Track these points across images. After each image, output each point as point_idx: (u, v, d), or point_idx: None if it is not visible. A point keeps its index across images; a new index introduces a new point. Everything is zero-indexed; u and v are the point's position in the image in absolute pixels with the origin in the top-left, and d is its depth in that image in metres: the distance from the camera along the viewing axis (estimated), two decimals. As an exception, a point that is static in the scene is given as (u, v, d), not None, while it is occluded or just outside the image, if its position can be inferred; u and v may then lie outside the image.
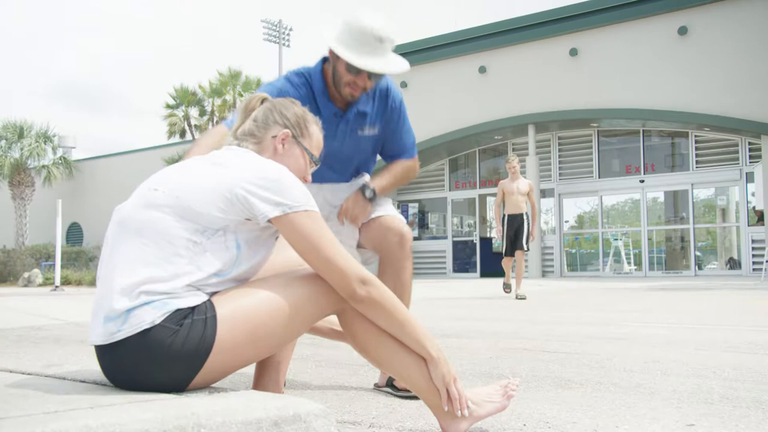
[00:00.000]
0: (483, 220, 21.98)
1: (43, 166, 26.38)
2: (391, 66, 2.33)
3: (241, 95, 24.80)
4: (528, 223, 8.94)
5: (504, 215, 9.03)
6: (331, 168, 2.54)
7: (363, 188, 2.52)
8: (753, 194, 16.63)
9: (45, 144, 25.98)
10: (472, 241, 21.13)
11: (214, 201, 1.58)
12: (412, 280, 2.56)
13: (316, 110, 2.40)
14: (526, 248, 8.93)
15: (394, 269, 2.50)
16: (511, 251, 8.95)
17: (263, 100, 1.92)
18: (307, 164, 1.86)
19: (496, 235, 9.14)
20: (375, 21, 2.28)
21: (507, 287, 9.15)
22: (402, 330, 1.70)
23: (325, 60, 2.48)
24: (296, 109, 1.88)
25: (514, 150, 20.32)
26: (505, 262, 9.05)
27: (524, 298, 8.37)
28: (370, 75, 2.34)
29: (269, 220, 1.61)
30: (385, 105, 2.55)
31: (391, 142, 2.62)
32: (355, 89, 2.38)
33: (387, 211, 2.57)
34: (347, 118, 2.49)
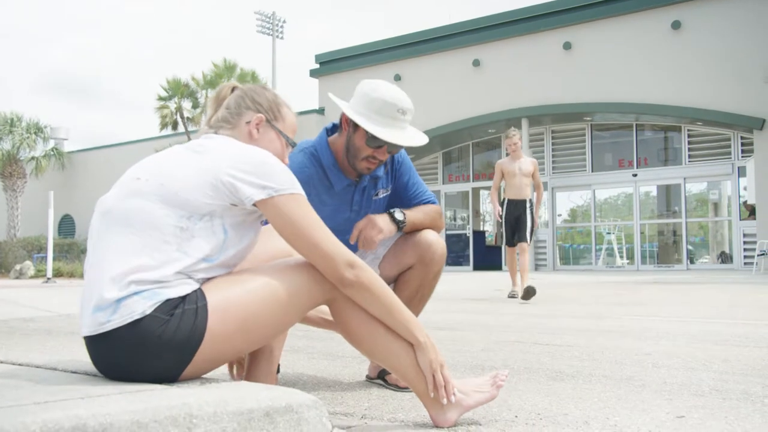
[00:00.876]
0: (476, 213, 22.02)
1: (33, 158, 26.26)
2: (415, 139, 2.22)
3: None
4: (532, 213, 7.39)
5: (504, 199, 7.52)
6: (345, 234, 2.34)
7: (392, 211, 2.34)
8: (745, 188, 16.70)
9: (36, 135, 25.87)
10: (465, 234, 21.17)
11: (200, 187, 1.58)
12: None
13: (329, 185, 2.31)
14: (528, 241, 7.36)
15: (422, 281, 2.37)
16: (512, 240, 7.46)
17: (233, 89, 1.91)
18: (283, 147, 1.85)
19: (495, 217, 7.53)
20: (397, 92, 2.19)
21: (512, 293, 7.31)
22: (390, 314, 1.71)
23: (327, 131, 2.37)
24: (267, 93, 1.86)
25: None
26: (510, 258, 7.60)
27: (534, 293, 6.58)
28: (390, 148, 2.22)
29: (255, 204, 1.60)
30: (392, 162, 2.43)
31: (409, 191, 2.45)
32: (372, 163, 2.25)
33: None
34: (361, 187, 2.37)
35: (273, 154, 1.75)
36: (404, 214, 2.35)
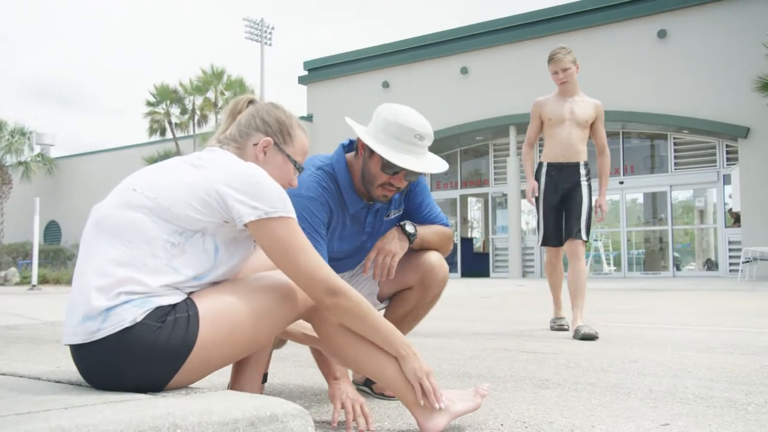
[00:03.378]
0: (464, 220, 22.06)
1: (20, 162, 26.09)
2: (435, 165, 2.13)
3: (223, 94, 24.68)
4: (589, 186, 4.56)
5: (540, 164, 4.68)
6: (357, 257, 2.35)
7: (403, 224, 2.27)
8: (730, 196, 16.85)
9: (21, 140, 25.73)
10: (453, 241, 21.17)
11: (192, 203, 1.57)
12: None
13: (343, 206, 2.21)
14: (585, 237, 4.50)
15: (419, 303, 2.35)
16: (554, 234, 4.60)
17: (250, 102, 1.89)
18: (291, 171, 1.83)
19: (529, 198, 4.68)
20: (415, 116, 2.08)
21: (559, 322, 4.62)
22: (372, 333, 1.72)
23: (345, 148, 2.26)
24: (279, 114, 1.83)
25: (495, 151, 20.40)
26: (551, 265, 4.74)
27: (593, 338, 3.97)
28: (407, 175, 2.12)
29: (245, 224, 1.60)
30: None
31: (422, 212, 2.37)
32: (389, 191, 2.15)
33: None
34: (374, 209, 2.28)
35: (278, 179, 1.75)
36: (415, 228, 2.28)
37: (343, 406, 1.87)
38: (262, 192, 1.60)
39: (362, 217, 2.27)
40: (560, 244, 4.62)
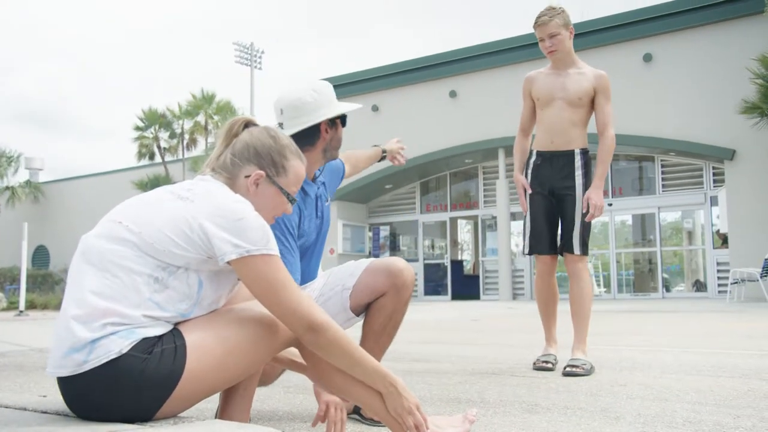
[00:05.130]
0: (454, 242, 22.07)
1: (7, 187, 25.98)
2: (355, 104, 2.58)
3: (212, 117, 24.72)
4: (585, 183, 3.69)
5: (531, 152, 3.85)
6: (319, 253, 2.57)
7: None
8: (718, 217, 16.95)
9: (8, 164, 25.65)
10: (443, 263, 21.19)
11: (175, 239, 1.57)
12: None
13: (304, 195, 2.44)
14: (579, 251, 3.73)
15: (390, 314, 2.39)
16: (546, 242, 3.78)
17: (247, 124, 1.86)
18: (284, 202, 1.82)
19: (520, 196, 3.86)
20: (314, 81, 2.48)
21: (544, 359, 3.72)
22: (353, 369, 1.70)
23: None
24: (274, 144, 1.80)
25: (485, 174, 20.48)
26: (542, 282, 3.93)
27: (588, 371, 3.43)
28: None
29: (228, 262, 1.60)
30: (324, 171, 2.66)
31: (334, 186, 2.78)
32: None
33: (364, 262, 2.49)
34: (320, 193, 2.56)
35: (270, 211, 1.77)
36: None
37: (327, 408, 1.88)
38: (244, 228, 1.59)
39: (314, 201, 2.51)
40: (553, 251, 3.77)
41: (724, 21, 16.30)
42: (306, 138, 2.40)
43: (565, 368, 3.47)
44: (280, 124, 2.42)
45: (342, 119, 2.52)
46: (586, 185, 3.69)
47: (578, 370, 3.42)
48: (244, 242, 1.59)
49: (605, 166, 3.68)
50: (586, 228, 3.70)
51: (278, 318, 1.64)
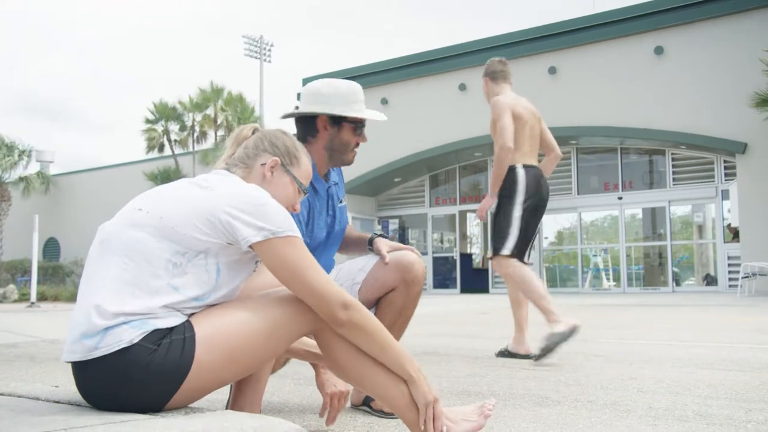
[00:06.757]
0: (463, 236, 22.06)
1: (21, 178, 26.14)
2: (380, 114, 2.42)
3: (224, 110, 24.77)
4: (505, 196, 4.32)
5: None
6: (326, 242, 2.49)
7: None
8: (729, 211, 16.86)
9: (19, 157, 25.78)
10: (453, 257, 21.18)
11: (197, 224, 1.59)
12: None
13: (314, 192, 2.40)
14: (490, 253, 4.43)
15: (400, 307, 2.38)
16: (518, 247, 4.31)
17: (255, 130, 1.93)
18: (296, 193, 1.87)
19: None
20: (348, 82, 2.37)
21: (539, 354, 3.76)
22: (382, 352, 1.70)
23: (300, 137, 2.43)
24: (286, 139, 1.89)
25: (494, 167, 20.40)
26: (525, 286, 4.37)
27: (552, 344, 3.70)
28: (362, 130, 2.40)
29: (251, 245, 1.61)
30: (340, 173, 2.58)
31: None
32: (355, 151, 2.42)
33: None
34: (332, 192, 2.48)
35: (284, 199, 1.80)
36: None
37: (331, 398, 1.96)
38: (267, 212, 1.62)
39: (333, 201, 2.46)
40: (524, 256, 4.40)
41: (736, 13, 16.16)
42: (304, 128, 2.38)
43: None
44: (296, 107, 2.41)
45: (356, 125, 2.36)
46: (503, 197, 4.36)
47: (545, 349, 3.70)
48: (268, 224, 1.60)
49: (492, 181, 4.38)
50: (496, 230, 4.43)
51: (308, 300, 1.64)
